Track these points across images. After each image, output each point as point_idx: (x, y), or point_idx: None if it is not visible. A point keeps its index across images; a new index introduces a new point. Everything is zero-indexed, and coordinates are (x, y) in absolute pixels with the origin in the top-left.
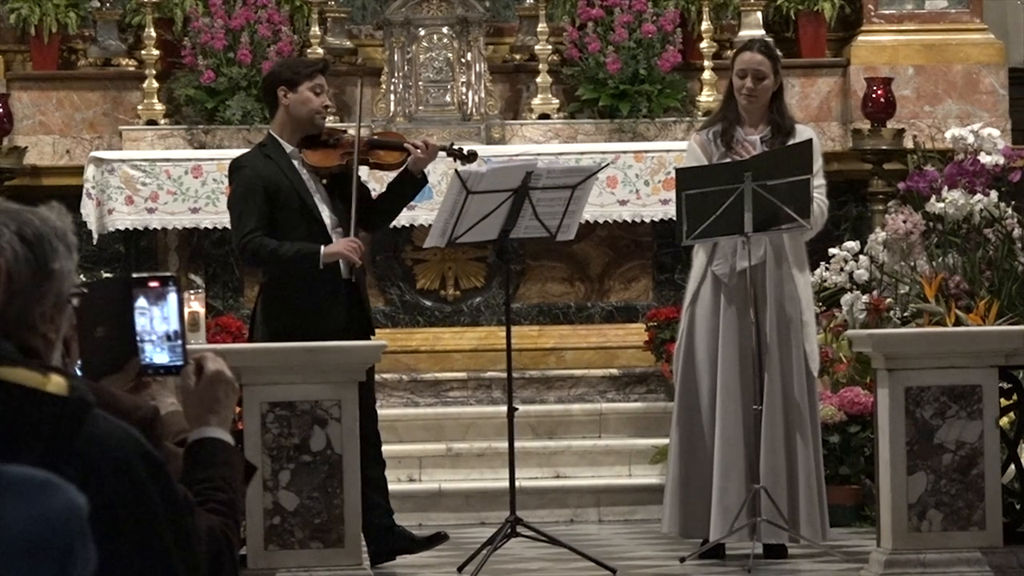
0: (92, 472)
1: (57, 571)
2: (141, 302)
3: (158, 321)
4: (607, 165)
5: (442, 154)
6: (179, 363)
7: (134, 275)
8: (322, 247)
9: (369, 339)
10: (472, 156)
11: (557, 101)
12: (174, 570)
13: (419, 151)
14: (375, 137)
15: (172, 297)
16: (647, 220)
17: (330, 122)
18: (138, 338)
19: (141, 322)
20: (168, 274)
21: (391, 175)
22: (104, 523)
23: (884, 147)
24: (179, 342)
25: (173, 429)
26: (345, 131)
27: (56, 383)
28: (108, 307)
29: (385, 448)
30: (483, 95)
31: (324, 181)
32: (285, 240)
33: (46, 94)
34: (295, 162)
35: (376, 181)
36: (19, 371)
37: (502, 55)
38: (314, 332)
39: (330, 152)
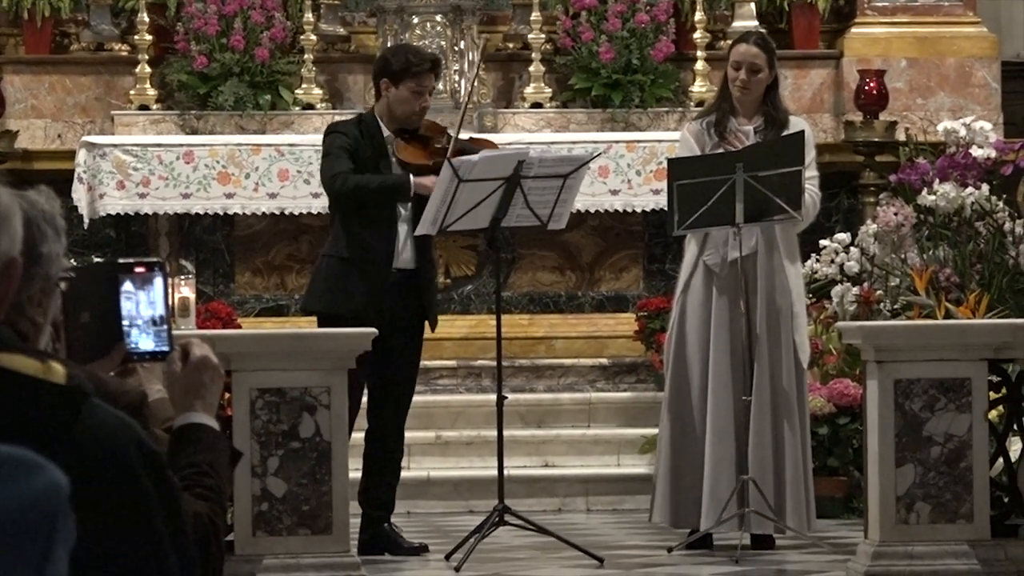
0: (88, 461)
1: (41, 549)
2: (127, 287)
3: (144, 306)
4: (599, 154)
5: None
6: (165, 349)
7: (120, 260)
8: (412, 176)
9: (423, 328)
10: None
11: (550, 90)
12: (167, 559)
13: None
14: (467, 142)
15: (158, 282)
16: (638, 210)
17: (323, 107)
18: (124, 323)
19: (127, 307)
20: (154, 259)
21: None
22: (99, 512)
23: (876, 139)
24: (165, 327)
25: (160, 416)
26: (444, 130)
27: (55, 371)
28: (94, 292)
29: None
30: (476, 83)
31: (410, 175)
32: (360, 222)
33: (38, 78)
34: (388, 147)
35: None
36: (18, 358)
37: (495, 43)
38: (367, 316)
39: (421, 151)
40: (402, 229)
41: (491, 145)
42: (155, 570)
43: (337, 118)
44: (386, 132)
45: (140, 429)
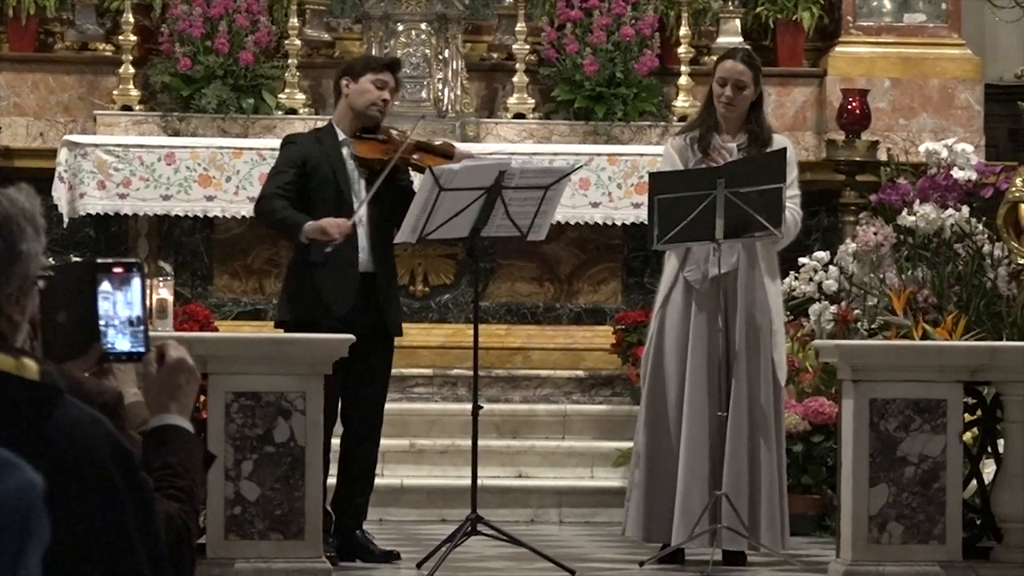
0: (59, 458)
1: (15, 548)
2: (105, 287)
3: (121, 306)
4: (580, 167)
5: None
6: (141, 350)
7: (98, 260)
8: (308, 221)
9: (390, 339)
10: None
11: (533, 101)
12: (137, 558)
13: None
14: (423, 141)
15: (136, 283)
16: (618, 223)
17: (306, 112)
18: (101, 323)
19: (104, 307)
20: (133, 260)
21: None
22: (69, 509)
23: (858, 158)
24: (141, 328)
25: (135, 420)
26: (401, 131)
27: (28, 368)
28: (71, 291)
29: None
30: (459, 92)
31: (366, 175)
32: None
33: (22, 76)
34: (344, 150)
35: None
36: None
37: (479, 53)
38: (326, 323)
39: (376, 146)
40: (360, 232)
41: (449, 147)
42: (125, 567)
43: (319, 124)
44: (341, 136)
45: (112, 427)
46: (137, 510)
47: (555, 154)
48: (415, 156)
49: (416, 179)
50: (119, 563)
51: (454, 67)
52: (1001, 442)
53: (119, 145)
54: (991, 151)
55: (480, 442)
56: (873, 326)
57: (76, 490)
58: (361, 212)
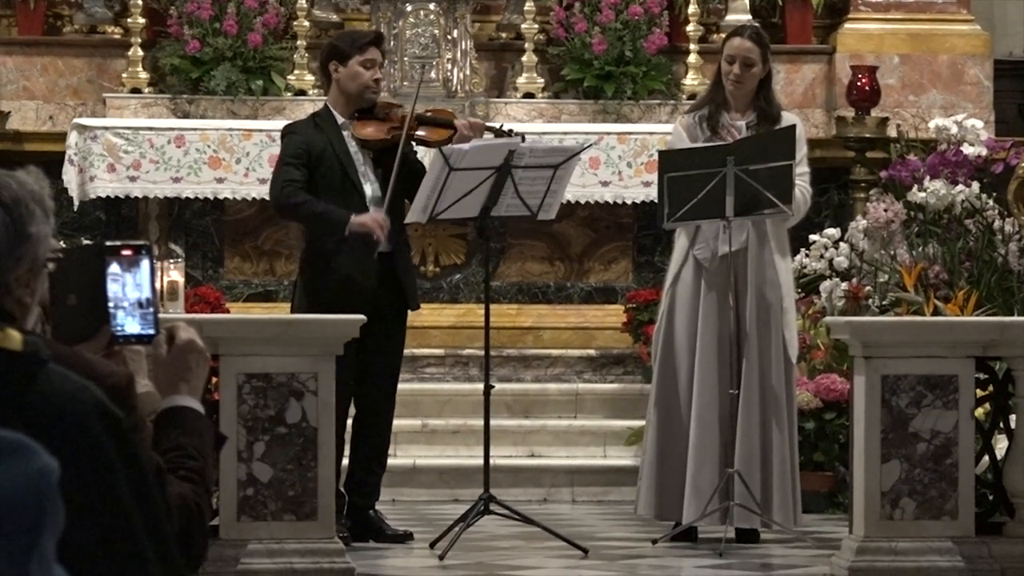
0: (43, 428)
1: (30, 533)
2: (114, 269)
3: (130, 288)
4: (590, 146)
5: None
6: (150, 332)
7: (107, 242)
8: (353, 216)
9: (406, 313)
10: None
11: (542, 80)
12: (134, 530)
13: (464, 130)
14: (426, 114)
15: (145, 265)
16: (628, 202)
17: (315, 94)
18: (110, 305)
19: (113, 289)
20: (142, 242)
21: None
22: (59, 482)
23: (867, 135)
24: (151, 310)
25: (146, 410)
26: (399, 106)
27: (12, 338)
28: (81, 274)
29: None
30: (468, 72)
31: (372, 155)
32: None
33: (31, 59)
34: (345, 133)
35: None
36: None
37: (488, 33)
38: (347, 303)
39: (379, 126)
40: (373, 211)
41: (449, 115)
42: (120, 540)
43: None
44: (340, 120)
45: (101, 394)
46: (132, 481)
47: (565, 133)
48: (419, 132)
49: (420, 151)
50: (113, 536)
51: (463, 47)
52: (1013, 417)
53: (129, 128)
54: (1001, 127)
55: (492, 422)
56: (884, 303)
57: (64, 460)
58: (368, 195)
